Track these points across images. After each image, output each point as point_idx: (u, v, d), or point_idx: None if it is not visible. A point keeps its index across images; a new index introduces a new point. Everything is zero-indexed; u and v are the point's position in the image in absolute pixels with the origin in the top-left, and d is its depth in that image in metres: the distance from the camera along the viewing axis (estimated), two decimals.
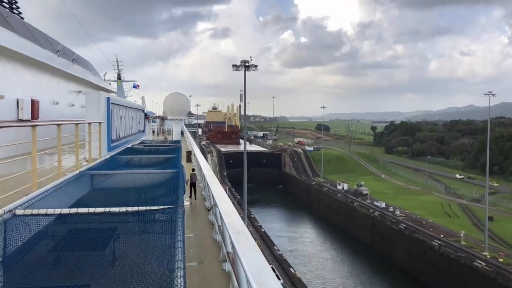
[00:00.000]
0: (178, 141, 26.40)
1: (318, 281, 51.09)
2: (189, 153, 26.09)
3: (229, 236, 5.08)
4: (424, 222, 57.64)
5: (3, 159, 9.57)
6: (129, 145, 20.60)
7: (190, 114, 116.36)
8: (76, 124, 13.15)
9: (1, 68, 15.43)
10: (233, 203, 7.17)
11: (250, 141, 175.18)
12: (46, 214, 5.55)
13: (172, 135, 42.48)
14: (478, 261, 43.61)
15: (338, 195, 79.24)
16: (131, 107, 25.87)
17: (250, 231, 5.30)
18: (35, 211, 5.60)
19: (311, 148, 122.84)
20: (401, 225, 56.77)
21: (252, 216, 66.44)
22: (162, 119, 59.64)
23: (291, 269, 46.25)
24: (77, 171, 10.01)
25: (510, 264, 42.78)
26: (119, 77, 73.97)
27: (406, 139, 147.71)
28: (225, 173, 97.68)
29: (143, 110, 36.26)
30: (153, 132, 48.82)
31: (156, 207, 5.80)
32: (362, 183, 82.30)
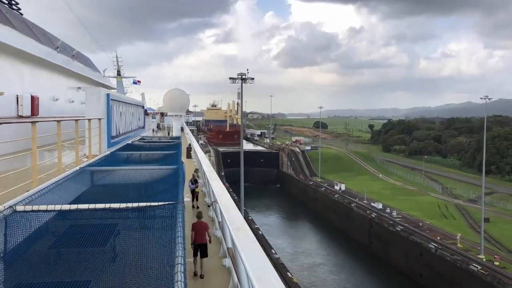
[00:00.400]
0: (178, 137, 26.41)
1: (317, 286, 50.96)
2: (189, 149, 26.09)
3: (229, 232, 5.13)
4: (421, 224, 57.46)
5: (3, 156, 9.59)
6: (129, 141, 20.60)
7: (188, 112, 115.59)
8: (76, 120, 13.17)
9: (0, 64, 15.42)
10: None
11: (248, 140, 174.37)
12: (46, 210, 5.57)
13: (172, 131, 42.59)
14: (474, 264, 43.54)
15: (336, 196, 79.09)
16: (131, 103, 25.89)
17: None
18: (35, 207, 5.62)
19: (309, 148, 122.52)
20: (398, 227, 56.72)
21: (250, 218, 66.30)
22: (162, 115, 59.75)
23: (289, 273, 46.10)
24: (77, 167, 10.02)
25: (506, 268, 42.55)
26: (118, 73, 73.95)
27: (403, 138, 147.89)
28: (222, 173, 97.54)
29: (143, 106, 36.28)
30: (153, 130, 48.84)
31: (156, 203, 5.82)
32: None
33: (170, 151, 14.78)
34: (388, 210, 64.48)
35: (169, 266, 4.13)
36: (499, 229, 57.31)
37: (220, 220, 8.36)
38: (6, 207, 5.52)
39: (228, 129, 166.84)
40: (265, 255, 4.04)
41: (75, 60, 24.88)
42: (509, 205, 72.08)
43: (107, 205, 5.70)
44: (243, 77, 62.51)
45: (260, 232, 59.27)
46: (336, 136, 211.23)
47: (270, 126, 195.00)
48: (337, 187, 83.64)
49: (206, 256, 7.70)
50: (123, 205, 5.73)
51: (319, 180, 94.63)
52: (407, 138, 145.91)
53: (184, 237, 4.66)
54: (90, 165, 10.71)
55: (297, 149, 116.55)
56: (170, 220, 5.40)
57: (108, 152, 14.72)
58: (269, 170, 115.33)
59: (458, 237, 49.55)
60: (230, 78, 72.17)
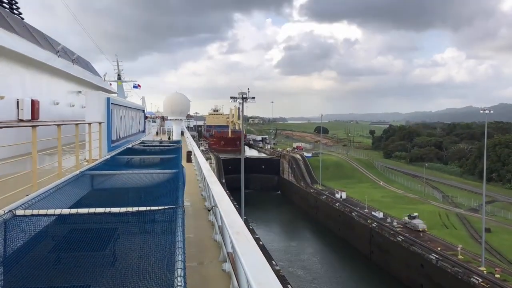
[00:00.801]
0: (178, 141, 26.39)
1: None
2: (189, 154, 26.10)
3: (229, 236, 5.10)
4: (422, 234, 57.22)
5: (3, 160, 9.59)
6: (129, 145, 20.58)
7: (188, 116, 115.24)
8: (76, 124, 13.17)
9: (1, 69, 15.45)
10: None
11: (251, 146, 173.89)
12: (46, 215, 5.53)
13: (172, 135, 42.80)
14: (475, 276, 43.15)
15: (337, 204, 78.71)
16: (131, 107, 25.90)
17: None
18: (35, 212, 5.59)
19: (310, 154, 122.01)
20: (399, 237, 56.43)
21: (251, 227, 65.97)
22: (163, 119, 60.01)
23: (289, 286, 45.78)
24: (77, 172, 10.00)
25: (506, 280, 42.11)
26: (119, 78, 74.15)
27: (404, 144, 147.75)
28: (223, 180, 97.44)
29: (143, 110, 36.35)
30: (157, 133, 49.39)
31: (156, 208, 5.79)
32: (416, 214, 62.76)
33: (170, 155, 14.73)
34: (389, 220, 64.21)
35: (168, 270, 4.10)
36: (499, 239, 56.88)
37: (220, 224, 8.32)
38: (5, 212, 5.49)
39: (230, 135, 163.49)
40: (265, 259, 4.01)
41: (76, 64, 24.95)
42: (510, 215, 71.57)
43: (107, 209, 5.67)
44: (244, 96, 63.25)
45: (261, 243, 59.05)
46: (337, 141, 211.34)
47: (271, 131, 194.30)
48: (338, 195, 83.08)
49: None
50: (123, 209, 5.71)
51: (320, 188, 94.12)
52: (408, 145, 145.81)
53: (184, 241, 4.64)
54: (90, 169, 10.68)
55: (298, 156, 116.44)
56: (170, 224, 5.37)
57: (108, 156, 14.70)
58: (270, 176, 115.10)
59: (459, 248, 49.13)
60: (231, 97, 73.32)
